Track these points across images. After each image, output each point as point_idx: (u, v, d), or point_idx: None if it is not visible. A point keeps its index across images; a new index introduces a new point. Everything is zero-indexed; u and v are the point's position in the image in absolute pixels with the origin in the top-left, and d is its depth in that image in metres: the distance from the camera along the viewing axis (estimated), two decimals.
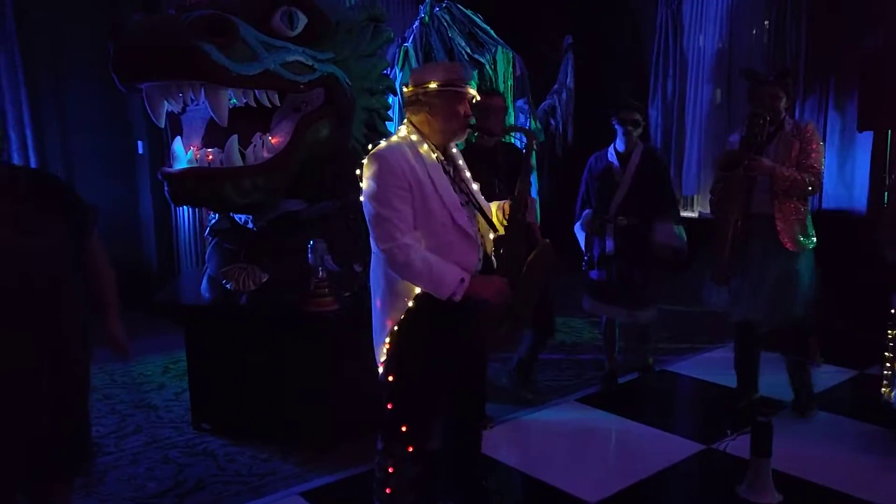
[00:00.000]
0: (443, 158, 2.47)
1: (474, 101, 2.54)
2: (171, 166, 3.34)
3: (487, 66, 5.13)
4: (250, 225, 3.70)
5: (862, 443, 3.65)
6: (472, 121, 2.57)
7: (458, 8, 5.24)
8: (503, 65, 5.30)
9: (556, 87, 7.08)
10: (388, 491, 2.56)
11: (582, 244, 4.29)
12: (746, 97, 4.00)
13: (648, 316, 4.25)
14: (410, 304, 2.42)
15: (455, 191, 2.47)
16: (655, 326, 4.48)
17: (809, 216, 3.73)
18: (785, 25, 6.53)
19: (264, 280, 3.58)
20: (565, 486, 3.22)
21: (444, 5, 5.17)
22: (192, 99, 3.19)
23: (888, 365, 3.75)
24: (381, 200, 2.34)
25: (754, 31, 6.96)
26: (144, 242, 6.02)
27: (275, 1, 3.38)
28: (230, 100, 3.23)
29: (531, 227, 2.85)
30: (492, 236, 2.60)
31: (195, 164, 3.28)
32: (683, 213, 7.31)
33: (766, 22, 6.69)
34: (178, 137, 3.40)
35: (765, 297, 3.73)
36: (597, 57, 7.41)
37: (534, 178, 6.05)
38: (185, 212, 5.79)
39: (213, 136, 3.40)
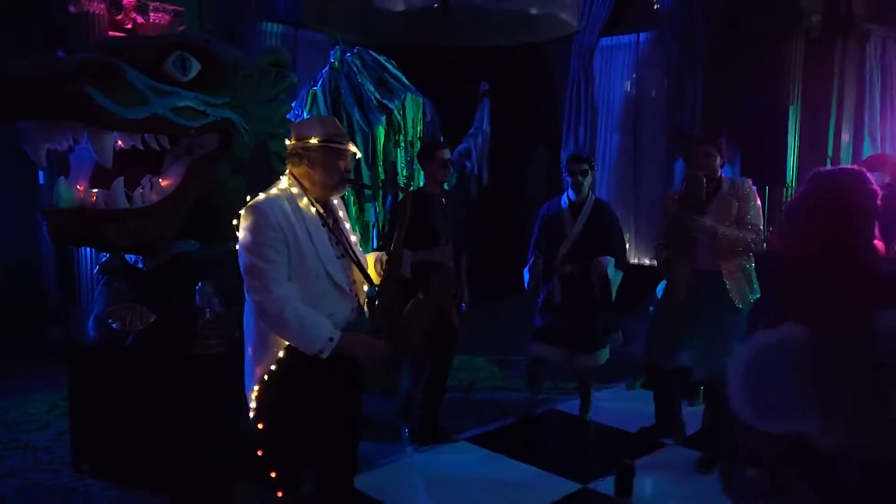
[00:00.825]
0: (322, 211, 2.56)
1: (356, 157, 2.66)
2: (53, 205, 3.32)
3: (396, 112, 5.26)
4: (140, 265, 3.70)
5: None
6: (352, 176, 2.67)
7: (370, 54, 5.38)
8: (412, 110, 5.44)
9: (472, 130, 7.24)
10: None
11: (527, 286, 4.44)
12: (682, 158, 4.18)
13: (590, 361, 4.34)
14: (280, 353, 2.48)
15: (332, 243, 2.56)
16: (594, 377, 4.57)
17: (753, 270, 3.88)
18: (683, 83, 6.94)
19: (152, 320, 3.57)
20: None
21: (355, 51, 5.30)
22: (75, 140, 3.19)
23: None
24: (256, 252, 2.41)
25: (660, 84, 7.37)
26: (45, 276, 5.87)
27: (167, 47, 3.43)
28: (116, 142, 3.24)
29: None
30: (366, 288, 2.69)
31: (78, 205, 3.27)
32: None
33: (665, 79, 7.09)
34: (62, 177, 3.38)
35: (707, 349, 3.85)
36: (512, 103, 7.67)
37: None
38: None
39: (101, 176, 3.40)
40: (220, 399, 3.50)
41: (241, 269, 2.44)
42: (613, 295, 4.32)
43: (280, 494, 2.55)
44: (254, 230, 2.42)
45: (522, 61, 7.73)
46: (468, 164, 7.15)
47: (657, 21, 7.26)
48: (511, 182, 7.55)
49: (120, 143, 3.28)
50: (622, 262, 4.33)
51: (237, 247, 2.48)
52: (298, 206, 2.51)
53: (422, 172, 4.51)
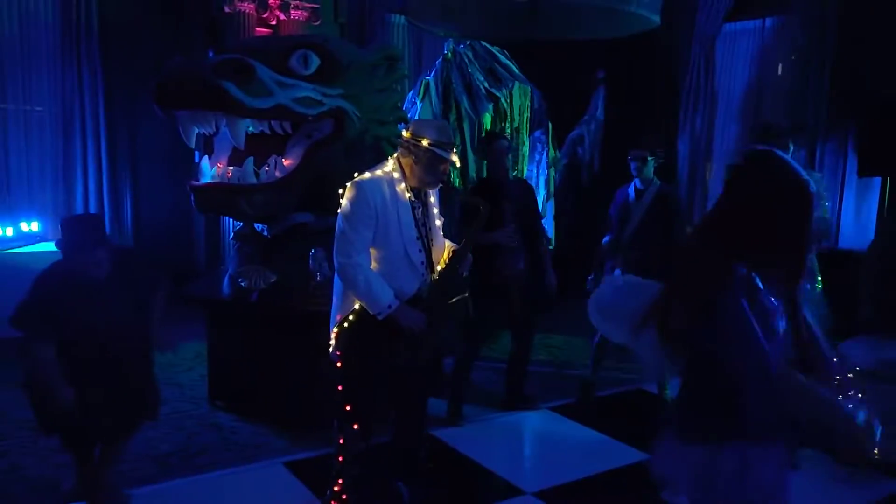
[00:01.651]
0: (413, 199, 2.98)
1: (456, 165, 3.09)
2: (198, 180, 3.98)
3: (503, 100, 5.60)
4: (266, 233, 4.30)
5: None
6: (444, 176, 3.07)
7: (482, 45, 5.74)
8: (519, 98, 5.76)
9: (586, 117, 7.45)
10: (339, 459, 3.10)
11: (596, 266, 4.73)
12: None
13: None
14: (356, 306, 2.94)
15: (417, 226, 2.97)
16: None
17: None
18: (809, 70, 6.74)
19: (272, 280, 4.17)
20: (508, 475, 3.67)
21: (468, 43, 5.68)
22: (218, 126, 3.82)
23: None
24: (350, 221, 2.87)
25: (784, 73, 7.18)
26: (195, 242, 6.79)
27: (292, 46, 3.99)
28: (248, 127, 3.84)
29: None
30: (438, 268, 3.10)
31: (217, 180, 3.91)
32: None
33: (788, 65, 6.90)
34: (206, 156, 4.03)
35: None
36: (628, 90, 7.76)
37: (551, 206, 6.47)
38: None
39: (237, 156, 4.03)
40: (325, 349, 4.04)
41: (336, 232, 2.91)
42: None
43: (355, 427, 3.02)
44: (353, 202, 2.88)
45: (640, 48, 7.78)
46: (580, 150, 7.38)
47: (786, 6, 7.07)
48: (624, 170, 7.66)
49: (251, 128, 3.88)
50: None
51: (339, 210, 2.94)
52: (395, 190, 2.94)
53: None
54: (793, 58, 7.07)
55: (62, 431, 3.15)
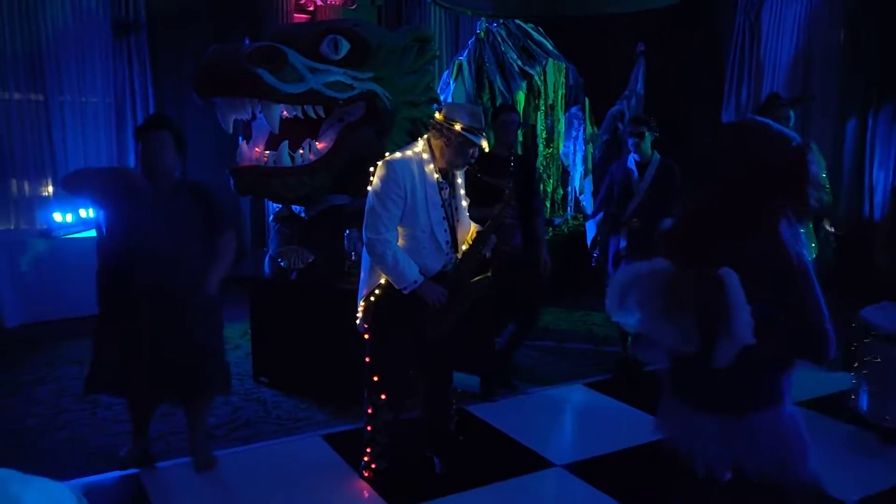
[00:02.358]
0: (441, 180, 3.07)
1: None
2: (236, 164, 4.14)
3: (536, 77, 5.60)
4: (303, 214, 4.44)
5: (840, 442, 3.87)
6: (472, 160, 3.14)
7: (515, 23, 5.74)
8: (553, 75, 5.75)
9: (626, 92, 7.36)
10: (368, 428, 3.23)
11: (589, 240, 4.74)
12: None
13: None
14: (382, 280, 3.06)
15: (444, 208, 3.06)
16: None
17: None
18: (860, 36, 6.52)
19: (310, 260, 4.31)
20: (539, 448, 3.74)
21: (501, 21, 5.69)
22: (254, 111, 3.95)
23: (854, 374, 3.94)
24: (380, 198, 2.98)
25: (830, 41, 6.96)
26: (242, 225, 7.02)
27: (323, 31, 4.09)
28: (282, 112, 3.96)
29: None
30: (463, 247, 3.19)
31: (254, 163, 4.05)
32: None
33: (840, 33, 6.68)
34: (244, 141, 4.18)
35: None
36: (669, 63, 7.63)
37: (589, 182, 6.44)
38: None
39: (273, 140, 4.16)
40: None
41: (366, 208, 3.02)
42: None
43: (383, 397, 3.15)
44: (383, 180, 2.99)
45: (681, 19, 7.64)
46: (620, 126, 7.29)
47: None
48: (667, 144, 7.56)
49: (285, 112, 4.01)
50: None
51: (369, 188, 3.05)
52: (424, 170, 3.03)
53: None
54: (843, 24, 6.85)
55: (116, 388, 3.33)
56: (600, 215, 4.72)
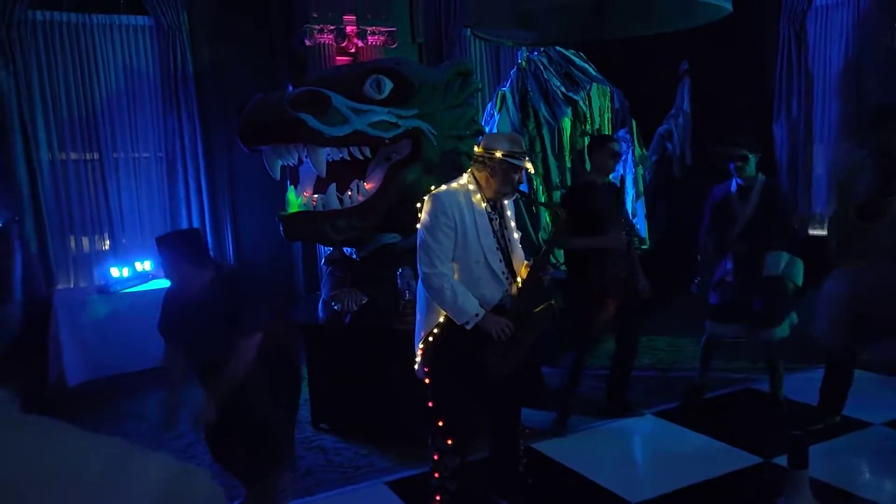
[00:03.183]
0: (490, 210, 3.00)
1: (528, 170, 3.09)
2: (285, 210, 4.13)
3: (581, 103, 5.52)
4: (354, 255, 4.41)
5: None
6: (523, 186, 3.09)
7: (556, 50, 5.69)
8: (598, 100, 5.65)
9: (672, 111, 7.21)
10: (436, 475, 3.12)
11: (699, 268, 4.61)
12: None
13: (768, 337, 4.36)
14: (441, 319, 2.96)
15: (495, 237, 2.99)
16: (780, 353, 4.49)
17: None
18: None
19: (364, 302, 4.26)
20: (612, 486, 3.57)
21: (541, 49, 5.64)
22: (300, 156, 3.96)
23: None
24: (430, 232, 2.92)
25: (885, 43, 6.71)
26: (294, 269, 7.04)
27: (365, 72, 4.09)
28: (328, 155, 3.96)
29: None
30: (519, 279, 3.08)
31: (303, 209, 4.04)
32: (813, 232, 7.15)
33: (887, 36, 6.44)
34: (292, 186, 4.18)
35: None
36: (715, 78, 7.46)
37: (641, 205, 6.30)
38: None
39: (321, 184, 4.16)
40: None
41: (418, 243, 2.95)
42: (800, 280, 4.26)
43: (449, 442, 3.03)
44: (431, 214, 2.93)
45: (724, 34, 7.49)
46: (669, 146, 7.15)
47: None
48: (717, 161, 7.37)
49: (331, 155, 4.00)
50: (791, 244, 4.28)
51: (418, 226, 2.99)
52: (471, 201, 2.97)
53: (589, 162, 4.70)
54: (893, 26, 6.60)
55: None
56: (702, 243, 4.57)
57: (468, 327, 2.86)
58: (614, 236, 4.20)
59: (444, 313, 2.95)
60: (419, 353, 3.05)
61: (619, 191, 4.70)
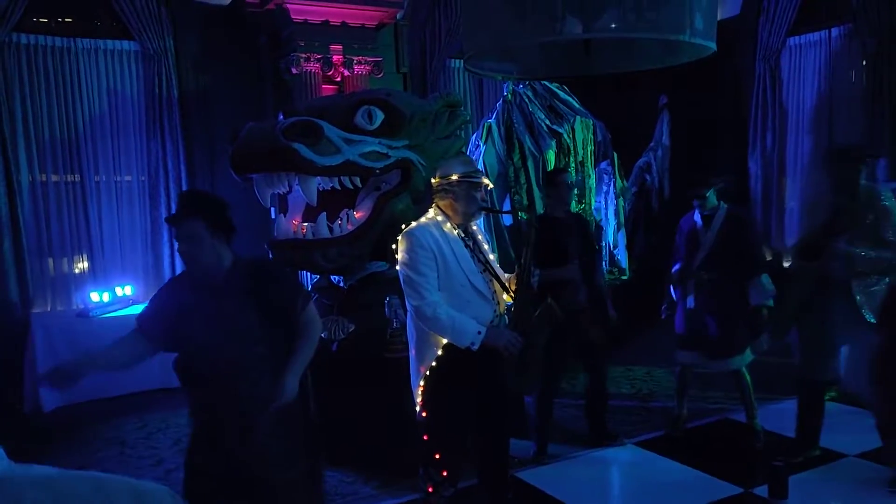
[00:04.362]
0: (463, 235, 3.06)
1: (489, 188, 3.15)
2: (275, 238, 4.16)
3: (565, 135, 5.63)
4: (342, 283, 4.43)
5: None
6: (487, 204, 3.16)
7: (541, 84, 5.82)
8: (582, 132, 5.78)
9: (651, 144, 7.38)
10: None
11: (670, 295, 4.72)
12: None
13: (724, 366, 4.49)
14: (439, 352, 2.99)
15: (474, 260, 3.04)
16: (746, 382, 4.55)
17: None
18: (881, 77, 6.51)
19: (351, 330, 4.28)
20: None
21: (527, 82, 5.77)
22: (290, 185, 3.99)
23: None
24: (412, 267, 2.96)
25: (856, 81, 6.97)
26: None
27: (357, 102, 4.16)
28: (319, 185, 4.00)
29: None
30: (506, 297, 3.14)
31: (292, 236, 4.07)
32: (787, 263, 7.33)
33: (858, 74, 6.69)
34: (281, 215, 4.21)
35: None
36: (693, 113, 7.66)
37: (622, 236, 6.41)
38: None
39: (310, 212, 4.19)
40: (406, 394, 4.11)
41: (402, 282, 2.99)
42: (769, 304, 4.38)
43: (444, 474, 3.05)
44: (409, 251, 2.98)
45: (702, 70, 7.70)
46: (648, 177, 7.30)
47: (851, 13, 6.88)
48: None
49: (322, 185, 4.04)
50: (762, 267, 4.41)
51: (397, 266, 3.03)
52: (443, 231, 3.04)
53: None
54: (864, 65, 6.86)
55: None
56: (674, 269, 4.66)
57: (474, 348, 2.87)
58: (568, 268, 4.29)
59: (442, 346, 2.97)
60: (420, 392, 3.07)
61: (585, 222, 4.79)
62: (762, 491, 3.72)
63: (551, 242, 4.22)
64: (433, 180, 3.14)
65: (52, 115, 6.38)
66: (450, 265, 2.97)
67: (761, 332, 4.39)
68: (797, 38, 7.35)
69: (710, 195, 4.47)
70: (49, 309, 6.48)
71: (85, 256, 6.69)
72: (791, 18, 7.20)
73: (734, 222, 4.44)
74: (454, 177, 3.04)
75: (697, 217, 4.54)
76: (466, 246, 3.05)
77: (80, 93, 6.49)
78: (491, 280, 3.08)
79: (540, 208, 5.50)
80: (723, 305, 4.39)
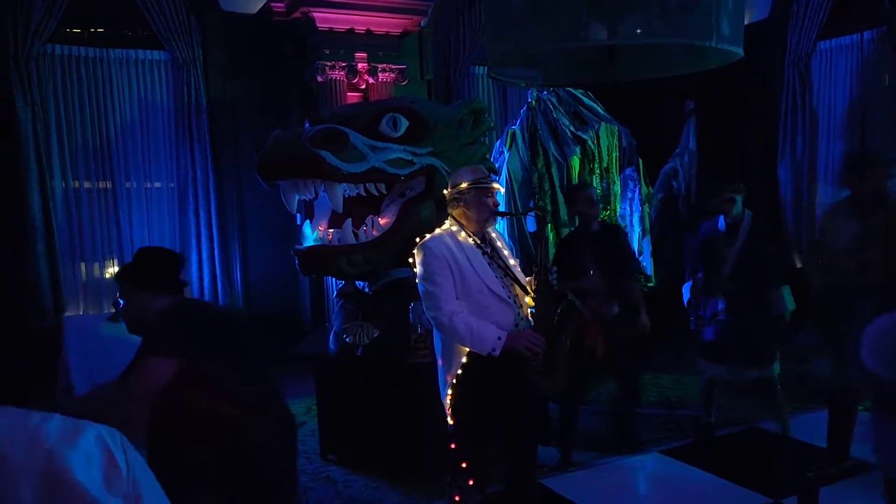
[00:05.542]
0: (479, 242, 3.06)
1: (499, 192, 3.15)
2: (300, 244, 4.20)
3: (590, 142, 5.61)
4: (367, 289, 4.46)
5: None
6: (501, 209, 3.17)
7: (566, 90, 5.81)
8: (606, 139, 5.75)
9: (678, 150, 7.32)
10: None
11: (685, 301, 4.68)
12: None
13: (755, 374, 4.46)
14: (464, 360, 2.99)
15: (492, 266, 3.03)
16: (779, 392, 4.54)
17: None
18: None
19: (375, 335, 4.30)
20: None
21: (551, 89, 5.76)
22: (316, 192, 4.03)
23: None
24: (428, 279, 2.97)
25: (890, 84, 6.85)
26: (301, 301, 7.10)
27: (382, 110, 4.19)
28: (345, 191, 4.03)
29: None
30: (528, 300, 3.12)
31: (318, 243, 4.11)
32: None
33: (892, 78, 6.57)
34: (307, 220, 4.26)
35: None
36: (721, 118, 7.59)
37: (647, 243, 6.36)
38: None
39: (336, 218, 4.23)
40: (430, 400, 4.11)
41: (421, 295, 3.00)
42: (787, 316, 4.37)
43: (471, 482, 3.05)
44: (424, 263, 2.99)
45: (730, 75, 7.63)
46: (674, 184, 7.24)
47: (885, 16, 6.77)
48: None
49: (348, 191, 4.07)
50: (782, 279, 4.39)
51: (416, 279, 3.05)
52: (458, 240, 3.04)
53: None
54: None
55: None
56: (697, 278, 4.62)
57: (496, 353, 2.86)
58: (588, 279, 4.26)
59: (466, 353, 2.97)
60: (448, 402, 3.07)
61: (614, 232, 4.70)
62: (791, 502, 3.66)
63: (575, 256, 4.25)
64: (445, 191, 3.14)
65: (84, 123, 6.51)
66: (465, 273, 2.97)
67: (788, 339, 4.34)
68: (828, 41, 7.25)
69: (738, 201, 4.42)
70: (81, 312, 6.60)
71: (116, 261, 6.80)
72: (821, 22, 7.09)
73: (758, 230, 4.42)
74: (464, 185, 3.05)
75: (721, 224, 4.48)
76: (484, 253, 3.05)
77: (112, 101, 6.62)
78: (511, 284, 3.08)
79: (563, 215, 5.48)
80: (752, 314, 4.34)
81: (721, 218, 4.50)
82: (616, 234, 4.67)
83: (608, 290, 4.32)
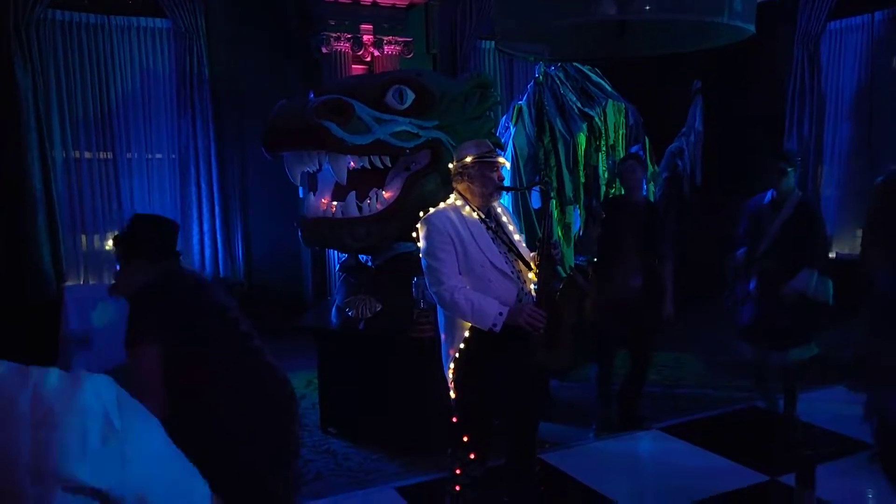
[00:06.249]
0: (483, 216, 3.03)
1: (504, 167, 3.12)
2: (304, 216, 4.17)
3: (597, 119, 5.55)
4: (370, 263, 4.44)
5: None
6: (506, 183, 3.14)
7: (573, 66, 5.74)
8: (613, 116, 5.70)
9: (684, 129, 7.26)
10: (456, 488, 3.12)
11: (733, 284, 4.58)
12: None
13: (782, 358, 4.33)
14: (466, 334, 2.98)
15: (496, 241, 3.01)
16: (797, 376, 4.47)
17: None
18: None
19: (378, 309, 4.29)
20: (620, 498, 3.63)
21: (558, 64, 5.69)
22: (320, 163, 4.00)
23: None
24: (430, 253, 2.95)
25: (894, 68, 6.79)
26: (303, 275, 7.09)
27: (388, 82, 4.14)
28: (349, 163, 4.00)
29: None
30: (531, 276, 3.11)
31: (321, 215, 4.08)
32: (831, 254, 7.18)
33: None
34: (311, 193, 4.22)
35: None
36: (728, 97, 7.53)
37: None
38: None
39: (340, 191, 4.20)
40: (431, 374, 4.12)
41: (423, 270, 2.99)
42: (830, 300, 4.24)
43: (472, 456, 3.05)
44: (426, 237, 2.97)
45: (738, 54, 7.55)
46: (680, 163, 7.18)
47: None
48: (728, 181, 7.42)
49: (352, 163, 4.04)
50: (821, 264, 4.24)
51: (419, 254, 3.03)
52: (462, 215, 3.01)
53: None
54: None
55: None
56: (738, 253, 4.51)
57: (497, 329, 2.85)
58: (624, 255, 4.26)
59: (468, 328, 2.96)
60: (451, 376, 3.06)
61: (651, 209, 4.58)
62: (789, 479, 3.67)
63: (610, 225, 4.33)
64: (450, 165, 3.11)
65: (85, 91, 6.46)
66: (468, 248, 2.95)
67: (823, 325, 4.26)
68: (838, 21, 7.17)
69: (790, 175, 4.26)
70: (81, 282, 6.59)
71: (117, 232, 6.78)
72: (832, 1, 7.01)
73: (806, 210, 4.24)
74: (469, 159, 3.01)
75: (768, 197, 4.34)
76: (489, 228, 3.02)
77: (113, 70, 6.56)
78: (515, 260, 3.06)
79: (569, 192, 5.44)
80: (781, 295, 4.20)
81: (771, 192, 4.36)
82: (652, 210, 4.58)
83: (636, 264, 4.28)
